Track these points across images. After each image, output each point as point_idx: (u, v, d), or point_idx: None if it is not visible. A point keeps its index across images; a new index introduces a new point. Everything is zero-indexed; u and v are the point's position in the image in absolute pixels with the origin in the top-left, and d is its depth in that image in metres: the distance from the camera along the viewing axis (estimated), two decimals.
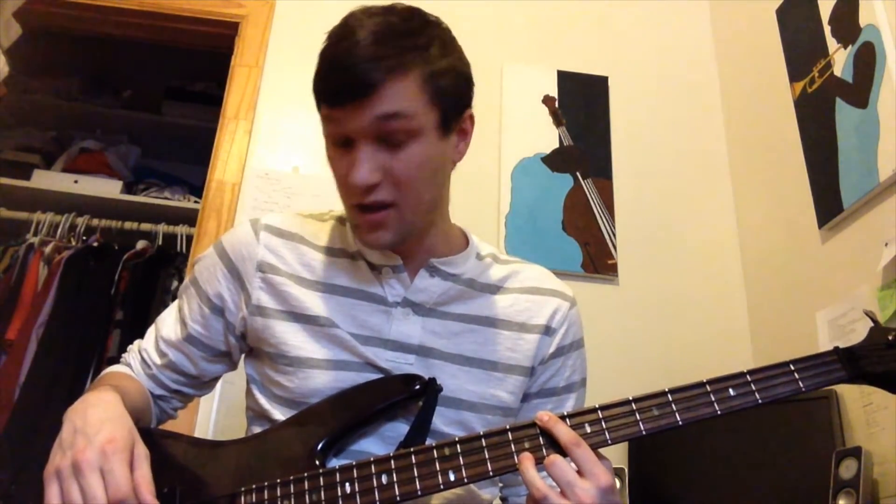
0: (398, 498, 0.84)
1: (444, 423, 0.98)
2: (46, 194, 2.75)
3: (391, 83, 0.88)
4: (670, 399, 0.85)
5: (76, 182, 2.84)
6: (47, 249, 2.54)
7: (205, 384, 1.12)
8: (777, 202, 1.96)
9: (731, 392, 0.86)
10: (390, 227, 0.95)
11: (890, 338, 0.87)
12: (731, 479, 1.59)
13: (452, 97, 0.95)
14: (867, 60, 1.61)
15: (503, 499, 1.10)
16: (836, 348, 0.89)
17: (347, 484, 0.86)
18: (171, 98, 3.30)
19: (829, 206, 1.69)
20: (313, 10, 2.21)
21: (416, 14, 0.96)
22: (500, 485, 1.09)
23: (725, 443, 1.62)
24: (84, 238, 2.62)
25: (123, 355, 1.12)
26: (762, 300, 1.97)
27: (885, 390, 0.88)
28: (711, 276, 2.06)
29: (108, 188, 2.86)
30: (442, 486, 0.84)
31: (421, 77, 0.90)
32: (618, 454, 1.74)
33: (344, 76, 0.89)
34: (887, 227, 1.51)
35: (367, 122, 0.89)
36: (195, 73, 3.23)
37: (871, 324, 0.91)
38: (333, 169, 0.96)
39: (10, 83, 2.16)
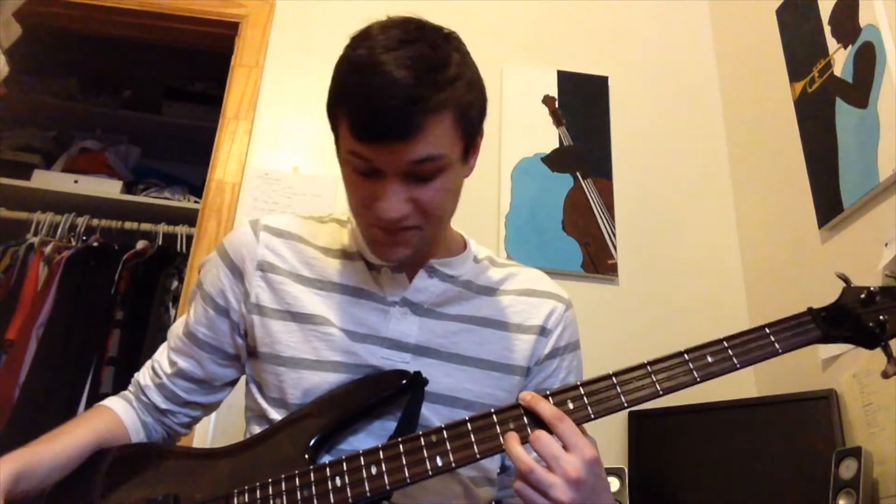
0: (388, 486, 0.85)
1: (441, 420, 0.98)
2: (46, 194, 2.75)
3: (430, 126, 0.86)
4: (650, 370, 0.87)
5: (76, 182, 2.83)
6: (47, 249, 2.53)
7: (216, 389, 1.11)
8: (777, 202, 1.95)
9: (710, 359, 0.88)
10: (412, 245, 0.96)
11: (862, 296, 0.90)
12: (731, 479, 1.59)
13: (476, 126, 0.95)
14: (867, 60, 1.61)
15: (497, 501, 1.10)
16: (810, 308, 0.92)
17: (337, 478, 0.87)
18: (171, 98, 3.30)
19: (829, 206, 1.69)
20: (313, 10, 2.20)
21: (439, 38, 0.91)
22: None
23: (725, 443, 1.62)
24: (84, 238, 2.62)
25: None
26: (762, 300, 1.97)
27: (860, 347, 0.90)
28: (711, 276, 2.06)
29: (108, 188, 2.86)
30: (430, 472, 0.85)
31: (455, 114, 0.88)
32: (618, 454, 1.74)
33: (381, 117, 0.84)
34: (887, 227, 1.50)
35: (402, 164, 0.87)
36: (195, 73, 3.23)
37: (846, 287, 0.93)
38: (351, 192, 0.94)
39: (10, 83, 2.15)
